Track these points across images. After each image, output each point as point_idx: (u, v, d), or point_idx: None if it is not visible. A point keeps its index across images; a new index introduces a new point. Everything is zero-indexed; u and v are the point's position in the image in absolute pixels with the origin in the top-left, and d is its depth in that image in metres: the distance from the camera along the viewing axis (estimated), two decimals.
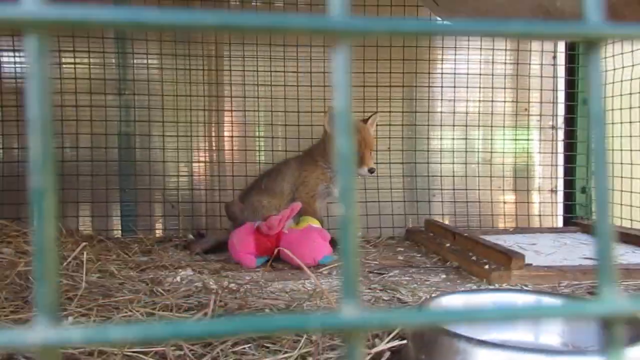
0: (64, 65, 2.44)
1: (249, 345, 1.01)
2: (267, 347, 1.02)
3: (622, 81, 2.41)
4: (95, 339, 0.18)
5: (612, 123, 2.47)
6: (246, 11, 2.48)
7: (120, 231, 2.48)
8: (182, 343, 0.92)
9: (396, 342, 0.97)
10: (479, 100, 2.64)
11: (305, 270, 1.14)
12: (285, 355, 0.95)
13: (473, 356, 0.80)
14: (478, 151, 2.67)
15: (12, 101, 2.43)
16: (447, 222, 2.57)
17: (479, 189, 2.66)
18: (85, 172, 2.46)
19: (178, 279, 1.58)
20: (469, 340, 0.80)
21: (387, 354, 0.96)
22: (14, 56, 2.44)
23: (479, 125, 2.65)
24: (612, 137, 2.46)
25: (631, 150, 2.38)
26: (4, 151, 2.44)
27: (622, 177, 2.39)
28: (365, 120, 2.17)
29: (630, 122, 2.37)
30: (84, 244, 1.59)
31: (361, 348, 0.20)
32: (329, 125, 2.12)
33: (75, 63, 2.44)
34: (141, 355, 0.91)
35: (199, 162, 2.55)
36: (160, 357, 0.93)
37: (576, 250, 2.10)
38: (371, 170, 2.09)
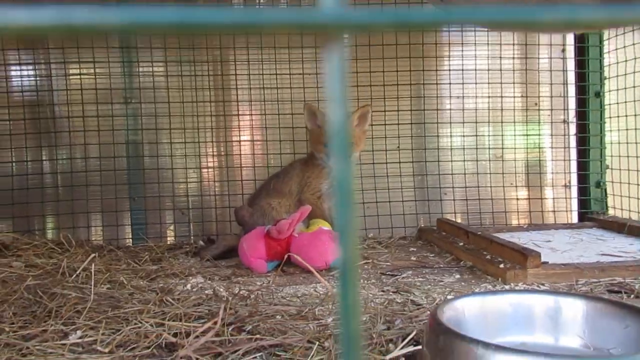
0: (70, 77, 2.44)
1: (260, 354, 0.99)
2: (279, 356, 1.00)
3: (634, 72, 2.36)
4: None
5: (626, 115, 2.42)
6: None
7: (131, 240, 2.48)
8: (191, 354, 0.90)
9: (411, 348, 0.95)
10: (488, 96, 2.60)
11: (316, 275, 1.12)
12: None
13: None
14: (489, 148, 2.63)
15: (20, 114, 2.44)
16: (459, 221, 2.54)
17: (491, 186, 2.62)
18: (94, 182, 2.46)
19: (188, 286, 1.57)
20: (487, 345, 0.77)
21: None
22: (20, 69, 2.44)
23: (489, 122, 2.62)
24: (627, 130, 2.41)
25: None
26: (14, 165, 2.45)
27: (638, 170, 2.34)
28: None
29: None
30: (92, 255, 1.58)
31: None
32: (308, 121, 2.14)
33: (81, 74, 2.44)
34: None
35: (207, 167, 2.54)
36: None
37: (593, 246, 2.05)
38: None
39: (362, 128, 2.16)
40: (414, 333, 1.00)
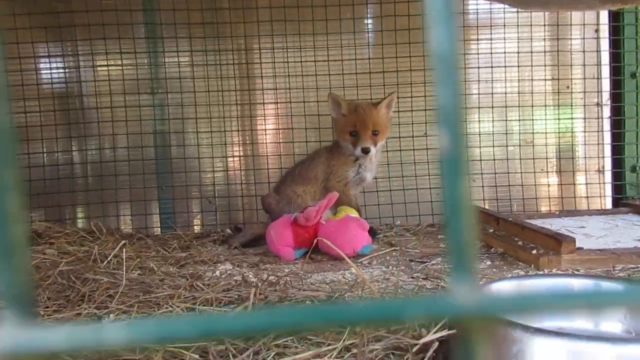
0: (98, 68, 2.47)
1: (290, 337, 0.99)
2: (310, 340, 0.99)
3: None
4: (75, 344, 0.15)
5: None
6: (274, 10, 2.44)
7: (159, 228, 2.50)
8: (223, 337, 0.90)
9: (444, 332, 0.93)
10: (518, 80, 2.54)
11: (347, 260, 1.10)
12: (329, 347, 0.91)
13: (531, 346, 0.75)
14: (519, 133, 2.56)
15: (50, 106, 2.48)
16: (487, 207, 2.49)
17: (521, 172, 2.56)
18: (123, 172, 2.49)
19: (217, 273, 1.57)
20: (526, 328, 0.75)
21: (436, 345, 0.92)
22: (49, 62, 2.48)
23: (519, 106, 2.55)
24: None
25: None
26: (45, 155, 2.49)
27: None
28: (376, 104, 2.11)
29: None
30: (123, 242, 1.60)
31: (482, 342, 0.16)
32: (332, 110, 2.13)
33: (108, 65, 2.46)
34: (183, 351, 0.89)
35: (233, 156, 2.55)
36: (202, 352, 0.91)
37: (629, 232, 1.99)
38: (364, 150, 2.04)
39: (388, 115, 2.14)
40: (447, 318, 0.98)
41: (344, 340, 0.92)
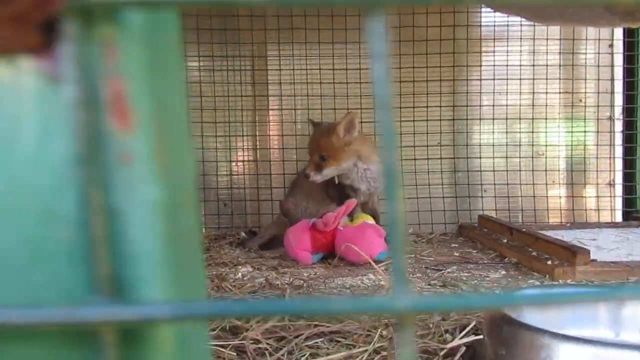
0: None
1: (320, 339, 1.02)
2: (339, 342, 1.03)
3: None
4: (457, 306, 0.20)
5: None
6: (294, 19, 2.49)
7: None
8: (259, 337, 0.94)
9: (471, 337, 0.96)
10: (532, 92, 2.58)
11: (373, 265, 1.14)
12: (360, 349, 0.95)
13: (558, 352, 0.79)
14: (532, 144, 2.60)
15: None
16: (498, 218, 2.52)
17: (533, 184, 2.59)
18: None
19: (239, 275, 1.61)
20: (554, 335, 0.78)
21: (462, 349, 0.95)
22: None
23: (532, 118, 2.59)
24: None
25: None
26: None
27: None
28: (335, 127, 1.98)
29: None
30: None
31: None
32: None
33: None
34: (220, 349, 0.93)
35: (249, 161, 2.60)
36: (238, 350, 0.95)
37: None
38: (305, 175, 2.00)
39: (351, 137, 1.98)
40: (472, 324, 1.02)
41: (374, 343, 0.96)
